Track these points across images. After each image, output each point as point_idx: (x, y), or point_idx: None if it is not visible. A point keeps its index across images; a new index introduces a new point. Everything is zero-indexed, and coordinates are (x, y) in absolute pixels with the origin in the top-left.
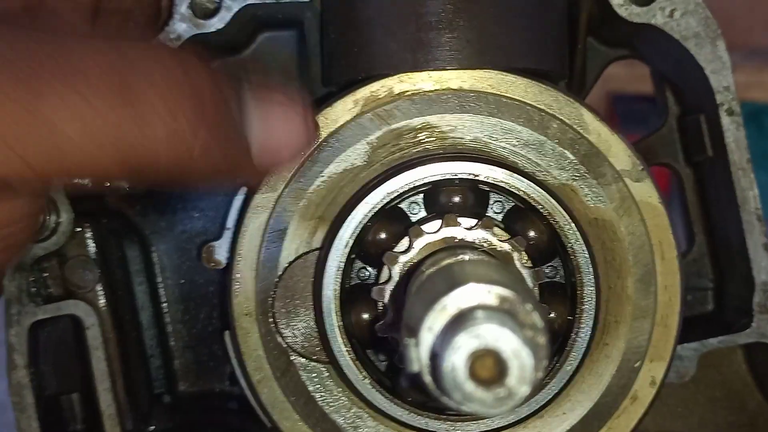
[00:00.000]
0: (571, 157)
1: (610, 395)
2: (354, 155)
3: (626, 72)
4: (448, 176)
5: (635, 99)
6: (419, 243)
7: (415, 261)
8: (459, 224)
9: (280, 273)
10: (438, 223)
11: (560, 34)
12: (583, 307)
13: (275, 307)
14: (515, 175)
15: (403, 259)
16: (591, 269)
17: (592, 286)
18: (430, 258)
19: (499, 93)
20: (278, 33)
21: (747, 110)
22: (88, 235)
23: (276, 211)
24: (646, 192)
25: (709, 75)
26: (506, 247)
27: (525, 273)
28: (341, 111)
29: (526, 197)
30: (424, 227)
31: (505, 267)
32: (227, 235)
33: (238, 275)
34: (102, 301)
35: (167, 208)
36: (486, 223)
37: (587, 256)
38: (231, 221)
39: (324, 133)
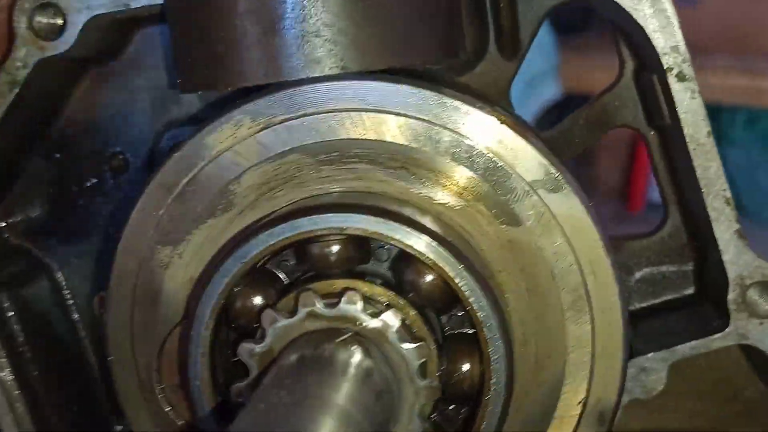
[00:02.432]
0: (470, 174)
1: None
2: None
3: None
4: (314, 232)
5: None
6: (274, 330)
7: (275, 351)
8: (314, 303)
9: (159, 345)
10: (293, 299)
11: (445, 10)
12: (491, 365)
13: (162, 382)
14: (389, 222)
15: (258, 350)
16: (494, 321)
17: (498, 341)
18: (284, 352)
19: (376, 109)
20: (155, 28)
21: None
22: None
23: (143, 271)
24: (565, 203)
25: (651, 35)
26: (377, 324)
27: (404, 350)
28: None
29: (404, 248)
30: (280, 307)
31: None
32: None
33: (115, 345)
34: (1, 367)
35: (70, 236)
36: (351, 298)
37: (488, 308)
38: None
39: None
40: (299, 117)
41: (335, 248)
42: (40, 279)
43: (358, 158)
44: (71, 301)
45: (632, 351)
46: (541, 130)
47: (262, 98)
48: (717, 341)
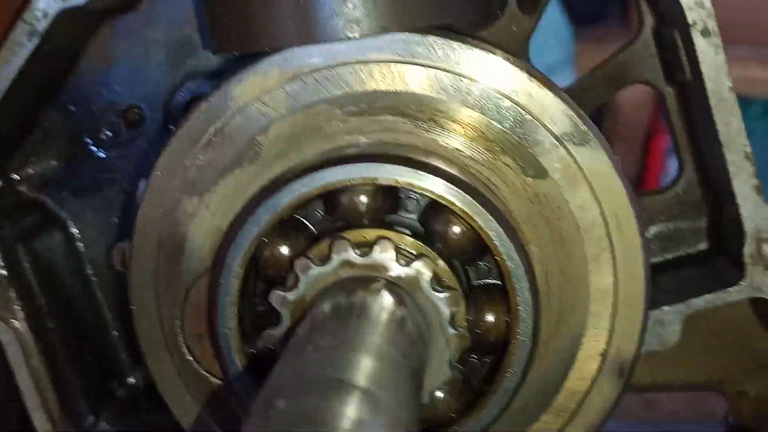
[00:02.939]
0: (498, 126)
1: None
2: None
3: None
4: (346, 182)
5: None
6: (307, 278)
7: (307, 299)
8: (348, 251)
9: (183, 295)
10: (327, 247)
11: None
12: (519, 315)
13: (185, 332)
14: (420, 173)
15: (291, 297)
16: (522, 271)
17: (526, 292)
18: (318, 300)
19: (404, 60)
20: None
21: None
22: None
23: (168, 221)
24: (593, 157)
25: None
26: (410, 272)
27: (436, 299)
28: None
29: (436, 198)
30: (312, 255)
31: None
32: None
33: (138, 296)
34: (18, 318)
35: (84, 189)
36: (384, 246)
37: (516, 258)
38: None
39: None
40: (327, 68)
41: (365, 198)
42: (54, 232)
43: (387, 110)
44: (85, 255)
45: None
46: None
47: (290, 49)
48: (732, 294)
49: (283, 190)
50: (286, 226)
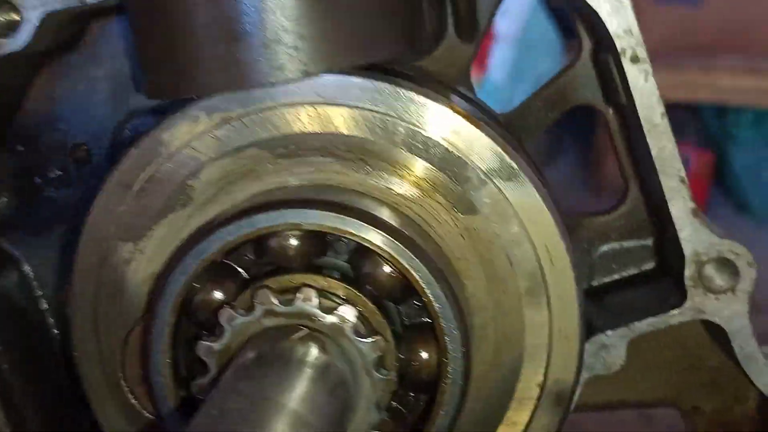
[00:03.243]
0: (426, 164)
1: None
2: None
3: (665, 79)
4: (271, 228)
5: (675, 107)
6: (231, 328)
7: (233, 348)
8: (271, 301)
9: (123, 338)
10: (248, 299)
11: (405, 3)
12: (449, 354)
13: (126, 374)
14: (344, 217)
15: (216, 347)
16: (450, 312)
17: (454, 331)
18: (242, 350)
19: (329, 102)
20: (112, 19)
21: None
22: None
23: (105, 266)
24: (521, 191)
25: (606, 18)
26: (333, 319)
27: (361, 344)
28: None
29: (360, 241)
30: (238, 304)
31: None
32: None
33: (81, 338)
34: None
35: (36, 228)
36: (306, 294)
37: (443, 299)
38: None
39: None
40: (255, 112)
41: (293, 242)
42: (8, 271)
43: (316, 151)
44: (40, 293)
45: (592, 327)
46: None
47: (218, 95)
48: (675, 317)
49: (209, 238)
50: (217, 271)
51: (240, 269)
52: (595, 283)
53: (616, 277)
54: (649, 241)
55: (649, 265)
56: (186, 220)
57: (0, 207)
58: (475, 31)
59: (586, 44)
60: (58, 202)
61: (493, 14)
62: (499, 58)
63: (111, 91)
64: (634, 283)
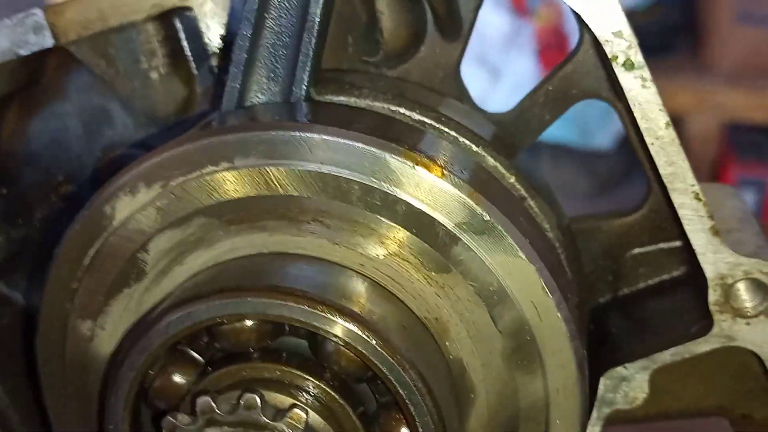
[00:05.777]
0: (389, 222)
1: None
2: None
3: (744, 99)
4: (212, 321)
5: (754, 129)
6: None
7: None
8: (212, 410)
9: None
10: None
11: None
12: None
13: None
14: (291, 305)
15: None
16: (418, 398)
17: (426, 416)
18: None
19: (273, 163)
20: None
21: None
22: None
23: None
24: (496, 245)
25: (589, 22)
26: (281, 427)
27: None
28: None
29: (317, 332)
30: (182, 409)
31: None
32: None
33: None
34: None
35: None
36: (249, 402)
37: (408, 383)
38: None
39: None
40: (196, 177)
41: (247, 324)
42: (7, 314)
43: (267, 214)
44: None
45: (618, 350)
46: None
47: (153, 158)
48: (702, 345)
49: (149, 333)
50: (173, 355)
51: (195, 354)
52: (621, 292)
53: (641, 285)
54: (678, 243)
55: (680, 271)
56: (143, 294)
57: None
58: (458, 28)
59: (586, 30)
60: (49, 241)
61: (477, 8)
62: None
63: (83, 125)
64: (662, 291)
